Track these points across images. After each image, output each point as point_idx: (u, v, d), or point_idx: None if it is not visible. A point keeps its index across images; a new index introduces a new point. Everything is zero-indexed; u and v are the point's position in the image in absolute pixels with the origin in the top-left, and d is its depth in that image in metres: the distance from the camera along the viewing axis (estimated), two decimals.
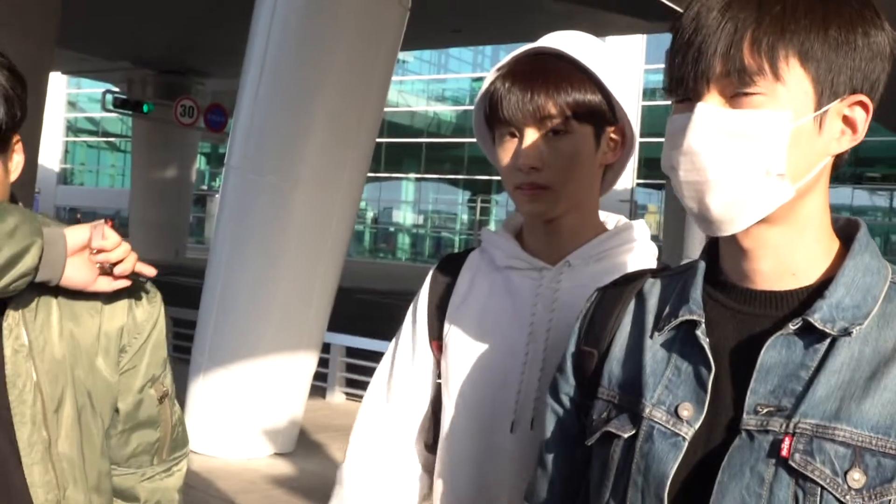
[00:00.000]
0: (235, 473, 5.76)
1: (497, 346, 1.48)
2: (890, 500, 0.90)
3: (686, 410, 1.02)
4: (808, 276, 1.02)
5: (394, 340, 1.64)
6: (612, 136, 1.47)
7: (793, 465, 0.93)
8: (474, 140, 1.60)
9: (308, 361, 6.42)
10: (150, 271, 1.45)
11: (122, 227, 27.65)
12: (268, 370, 6.17)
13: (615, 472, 1.07)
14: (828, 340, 0.97)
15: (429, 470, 1.60)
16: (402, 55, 10.83)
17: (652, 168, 31.61)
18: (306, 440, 6.65)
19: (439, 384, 1.56)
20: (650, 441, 1.03)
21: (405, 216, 45.54)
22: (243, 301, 6.16)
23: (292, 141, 6.05)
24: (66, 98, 46.47)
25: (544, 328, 1.44)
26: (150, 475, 1.57)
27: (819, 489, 0.92)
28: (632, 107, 1.47)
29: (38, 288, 1.33)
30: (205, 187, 45.27)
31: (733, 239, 1.02)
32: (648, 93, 32.86)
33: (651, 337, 1.10)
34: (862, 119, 0.99)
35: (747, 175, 0.96)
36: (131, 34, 19.67)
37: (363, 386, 7.93)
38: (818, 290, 1.00)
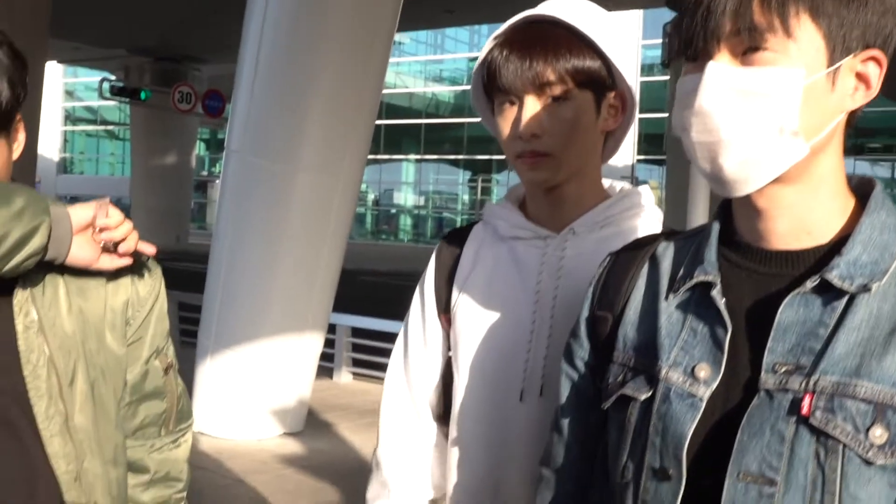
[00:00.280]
0: (247, 454, 5.78)
1: (504, 315, 1.48)
2: None
3: (703, 371, 1.01)
4: (823, 234, 1.02)
5: (405, 320, 1.64)
6: (612, 101, 1.45)
7: (813, 423, 0.92)
8: (473, 120, 1.59)
9: (314, 342, 6.44)
10: (151, 250, 1.47)
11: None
12: (274, 352, 6.19)
13: (632, 434, 1.06)
14: (846, 298, 0.96)
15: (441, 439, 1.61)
16: (397, 37, 10.77)
17: (652, 144, 31.50)
18: (315, 419, 6.68)
19: (450, 357, 1.56)
20: (667, 402, 1.02)
21: (406, 198, 45.49)
22: (248, 284, 6.17)
23: (292, 125, 6.03)
24: (64, 87, 46.35)
25: (550, 296, 1.44)
26: (159, 446, 1.59)
27: (841, 446, 0.91)
28: (630, 72, 1.45)
29: (45, 266, 1.34)
30: (205, 173, 45.26)
31: (747, 199, 1.01)
32: (646, 68, 32.63)
33: (666, 299, 1.09)
34: (876, 74, 0.98)
35: (760, 134, 0.95)
36: (126, 21, 19.58)
37: (369, 365, 7.97)
38: (835, 248, 1.00)
